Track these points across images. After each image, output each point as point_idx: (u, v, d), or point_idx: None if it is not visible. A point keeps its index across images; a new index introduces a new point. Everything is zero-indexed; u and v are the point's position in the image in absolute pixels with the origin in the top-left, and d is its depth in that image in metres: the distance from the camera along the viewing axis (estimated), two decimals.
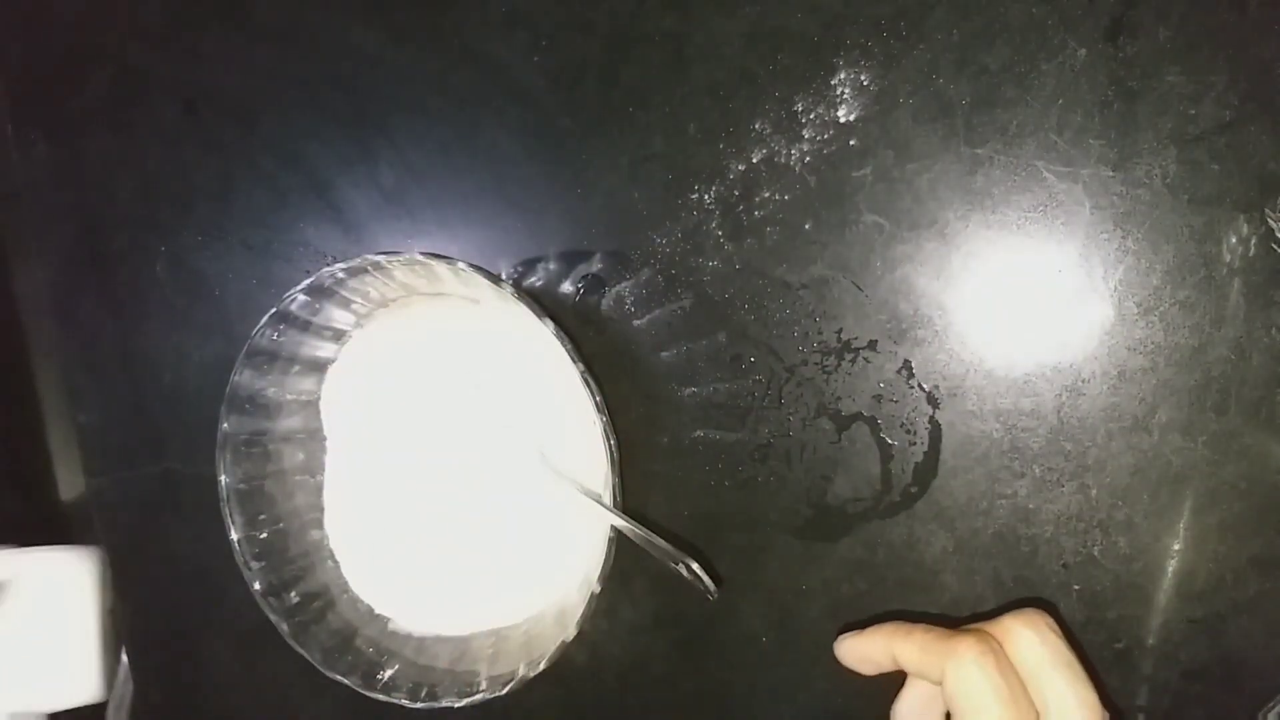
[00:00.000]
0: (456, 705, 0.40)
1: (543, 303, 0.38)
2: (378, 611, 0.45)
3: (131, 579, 0.50)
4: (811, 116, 0.41)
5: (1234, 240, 0.38)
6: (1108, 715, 0.34)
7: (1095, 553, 0.41)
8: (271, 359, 0.42)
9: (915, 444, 0.42)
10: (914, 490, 0.42)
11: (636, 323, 0.44)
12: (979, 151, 0.40)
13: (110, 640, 0.32)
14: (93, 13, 0.48)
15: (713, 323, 0.43)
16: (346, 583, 0.45)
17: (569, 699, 0.47)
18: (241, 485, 0.43)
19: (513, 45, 0.44)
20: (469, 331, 0.44)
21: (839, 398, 0.42)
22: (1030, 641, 0.34)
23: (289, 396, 0.44)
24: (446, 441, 0.44)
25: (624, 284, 0.44)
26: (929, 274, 0.41)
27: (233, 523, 0.42)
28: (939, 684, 0.35)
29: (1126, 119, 0.39)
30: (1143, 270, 0.39)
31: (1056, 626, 0.35)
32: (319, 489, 0.46)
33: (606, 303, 0.44)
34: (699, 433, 0.44)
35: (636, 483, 0.43)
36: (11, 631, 0.31)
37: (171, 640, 0.51)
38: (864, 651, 0.38)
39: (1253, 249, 0.38)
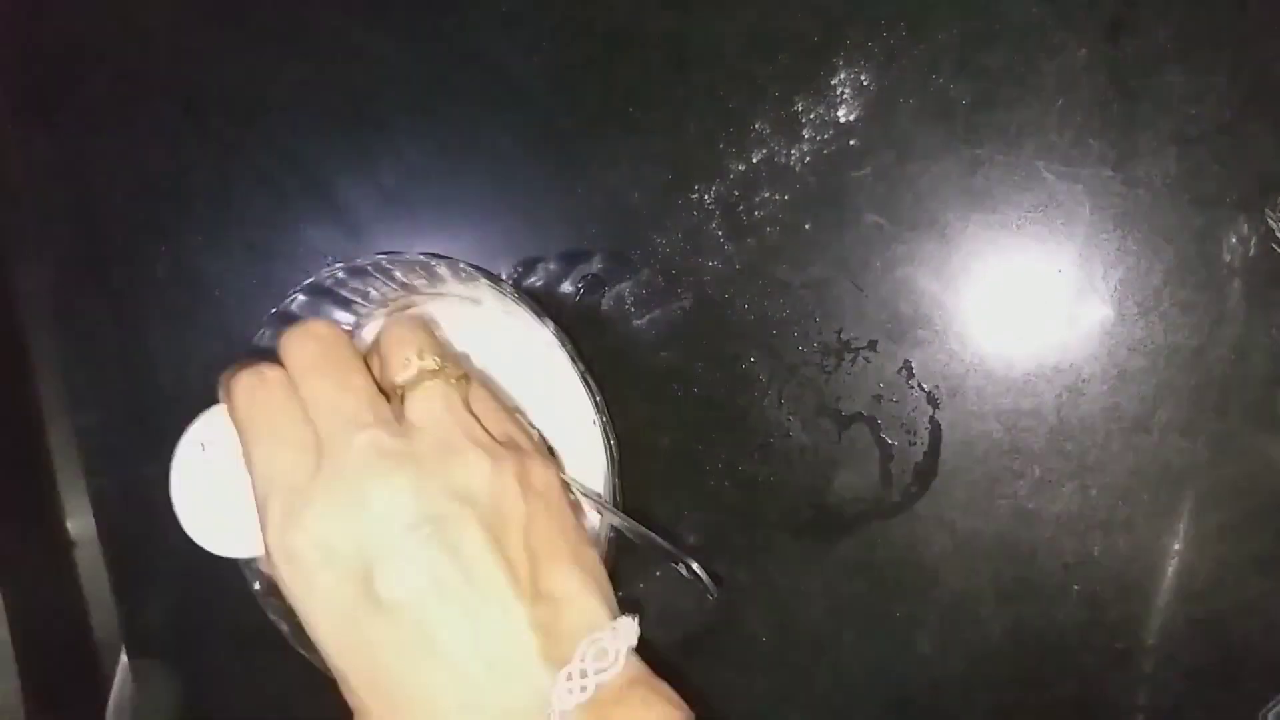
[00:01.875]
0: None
1: (543, 303, 0.38)
2: None
3: (131, 579, 0.50)
4: (811, 116, 0.41)
5: (1234, 240, 0.38)
6: (380, 429, 0.30)
7: (1095, 553, 0.41)
8: (271, 359, 0.42)
9: (915, 444, 0.42)
10: (914, 490, 0.42)
11: (636, 323, 0.44)
12: (979, 151, 0.40)
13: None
14: (93, 13, 0.48)
15: (713, 323, 0.43)
16: None
17: None
18: None
19: (513, 45, 0.44)
20: (469, 332, 0.44)
21: (839, 398, 0.42)
22: (289, 350, 0.32)
23: None
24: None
25: (624, 284, 0.44)
26: (929, 274, 0.41)
27: None
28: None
29: (1126, 119, 0.39)
30: (1143, 270, 0.39)
31: (329, 334, 0.33)
32: None
33: (606, 303, 0.44)
34: (699, 433, 0.44)
35: (636, 483, 0.43)
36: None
37: (172, 640, 0.51)
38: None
39: (1253, 249, 0.38)
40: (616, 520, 0.39)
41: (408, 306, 0.44)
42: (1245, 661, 0.40)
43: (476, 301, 0.43)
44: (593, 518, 0.42)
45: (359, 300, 0.43)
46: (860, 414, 0.42)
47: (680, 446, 0.44)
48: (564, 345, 0.37)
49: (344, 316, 0.44)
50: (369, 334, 0.45)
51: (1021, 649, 0.42)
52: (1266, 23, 0.37)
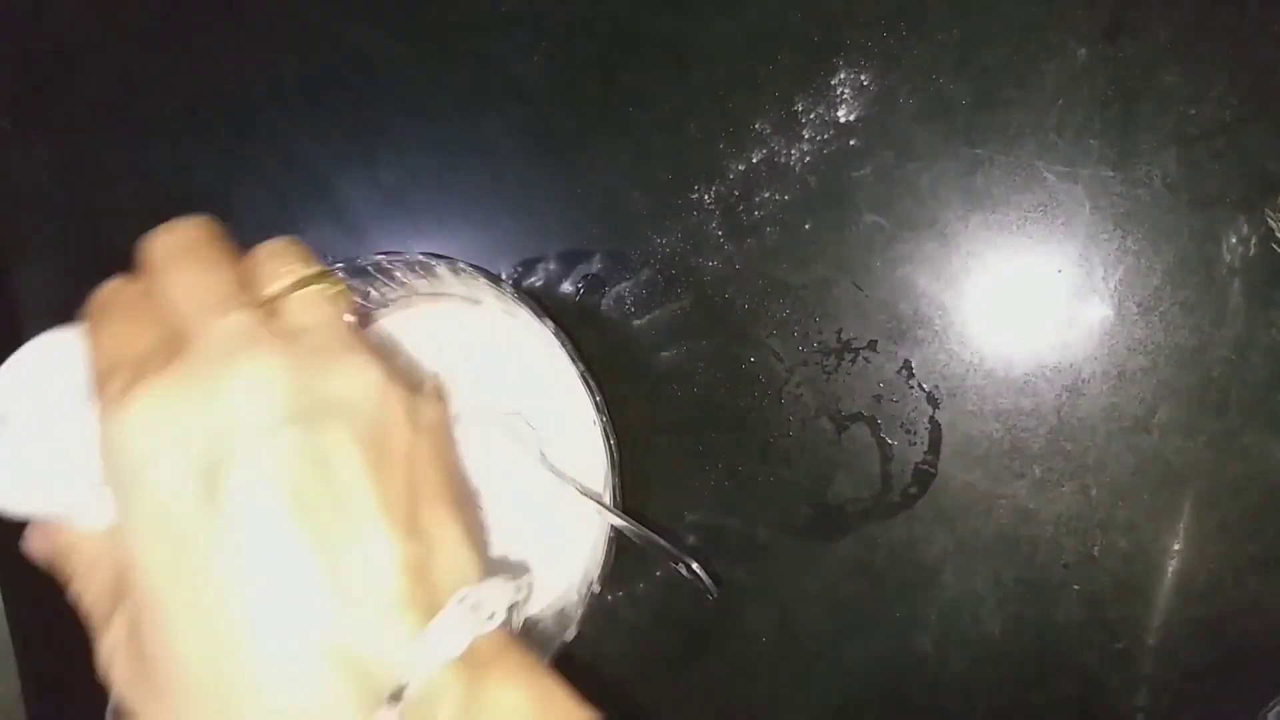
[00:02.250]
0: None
1: (543, 303, 0.38)
2: None
3: None
4: (811, 116, 0.41)
5: (1234, 240, 0.38)
6: (251, 314, 0.25)
7: (1095, 553, 0.41)
8: None
9: (915, 444, 0.42)
10: (914, 490, 0.42)
11: (636, 323, 0.44)
12: (979, 151, 0.40)
13: None
14: (93, 13, 0.48)
15: (713, 323, 0.43)
16: None
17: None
18: None
19: (513, 45, 0.44)
20: (469, 332, 0.44)
21: (839, 398, 0.42)
22: (150, 247, 0.27)
23: None
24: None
25: (624, 284, 0.44)
26: (929, 274, 0.41)
27: None
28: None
29: (1126, 119, 0.39)
30: (1143, 270, 0.39)
31: (194, 227, 0.28)
32: None
33: (606, 303, 0.44)
34: (699, 433, 0.44)
35: (636, 483, 0.43)
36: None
37: None
38: None
39: (1253, 249, 0.38)
40: (616, 520, 0.39)
41: (408, 307, 0.44)
42: (1245, 661, 0.40)
43: (476, 301, 0.43)
44: (592, 517, 0.42)
45: (359, 300, 0.43)
46: (860, 414, 0.42)
47: (680, 446, 0.44)
48: (564, 345, 0.37)
49: (344, 316, 0.44)
50: (368, 334, 0.45)
51: (1021, 649, 0.42)
52: (1266, 23, 0.37)
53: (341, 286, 0.28)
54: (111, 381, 0.24)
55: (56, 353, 0.28)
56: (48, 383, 0.27)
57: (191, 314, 0.25)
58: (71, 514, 0.27)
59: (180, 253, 0.27)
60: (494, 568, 0.27)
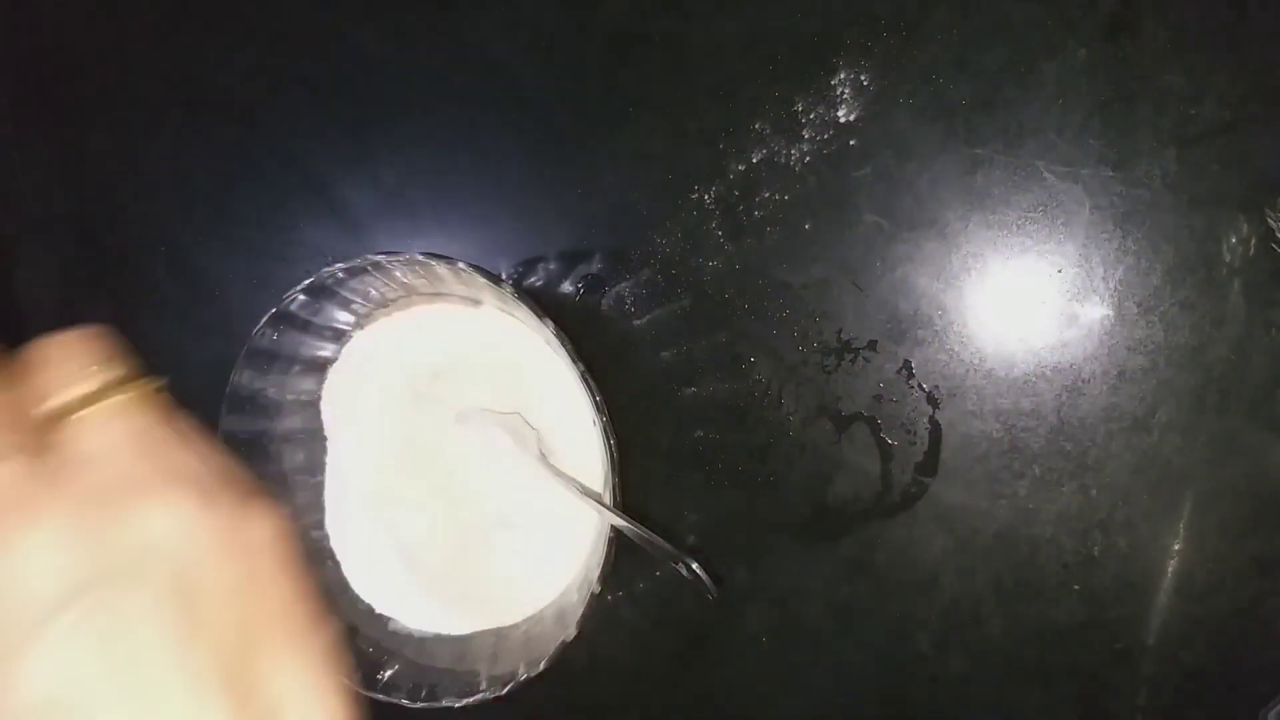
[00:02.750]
0: (456, 705, 0.40)
1: (543, 303, 0.38)
2: (378, 611, 0.45)
3: None
4: (811, 116, 0.41)
5: (1234, 240, 0.38)
6: (12, 461, 0.20)
7: (1095, 553, 0.41)
8: (271, 359, 0.42)
9: (915, 444, 0.42)
10: (914, 490, 0.42)
11: (636, 323, 0.44)
12: (979, 151, 0.40)
13: None
14: (93, 13, 0.48)
15: (713, 323, 0.43)
16: (347, 582, 0.45)
17: (569, 699, 0.47)
18: None
19: (513, 45, 0.44)
20: (469, 332, 0.44)
21: (839, 398, 0.42)
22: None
23: (289, 396, 0.44)
24: (446, 442, 0.44)
25: (624, 284, 0.44)
26: (929, 274, 0.41)
27: None
28: None
29: (1126, 119, 0.39)
30: (1143, 270, 0.39)
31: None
32: (319, 489, 0.46)
33: (606, 303, 0.44)
34: (699, 433, 0.44)
35: (636, 483, 0.43)
36: None
37: None
38: None
39: (1253, 249, 0.38)
40: (616, 520, 0.39)
41: (408, 307, 0.44)
42: (1245, 661, 0.40)
43: (476, 301, 0.43)
44: (592, 517, 0.42)
45: (359, 300, 0.43)
46: (860, 414, 0.42)
47: (680, 446, 0.44)
48: (564, 345, 0.37)
49: (344, 316, 0.44)
50: (369, 334, 0.45)
51: (1021, 648, 0.42)
52: (1266, 23, 0.37)
53: (151, 386, 0.24)
54: None
55: None
56: None
57: None
58: None
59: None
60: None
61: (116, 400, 0.22)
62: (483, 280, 0.38)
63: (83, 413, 0.22)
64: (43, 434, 0.22)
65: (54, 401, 0.22)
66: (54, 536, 0.20)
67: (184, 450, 0.23)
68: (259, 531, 0.22)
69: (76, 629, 0.19)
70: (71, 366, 0.23)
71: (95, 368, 0.23)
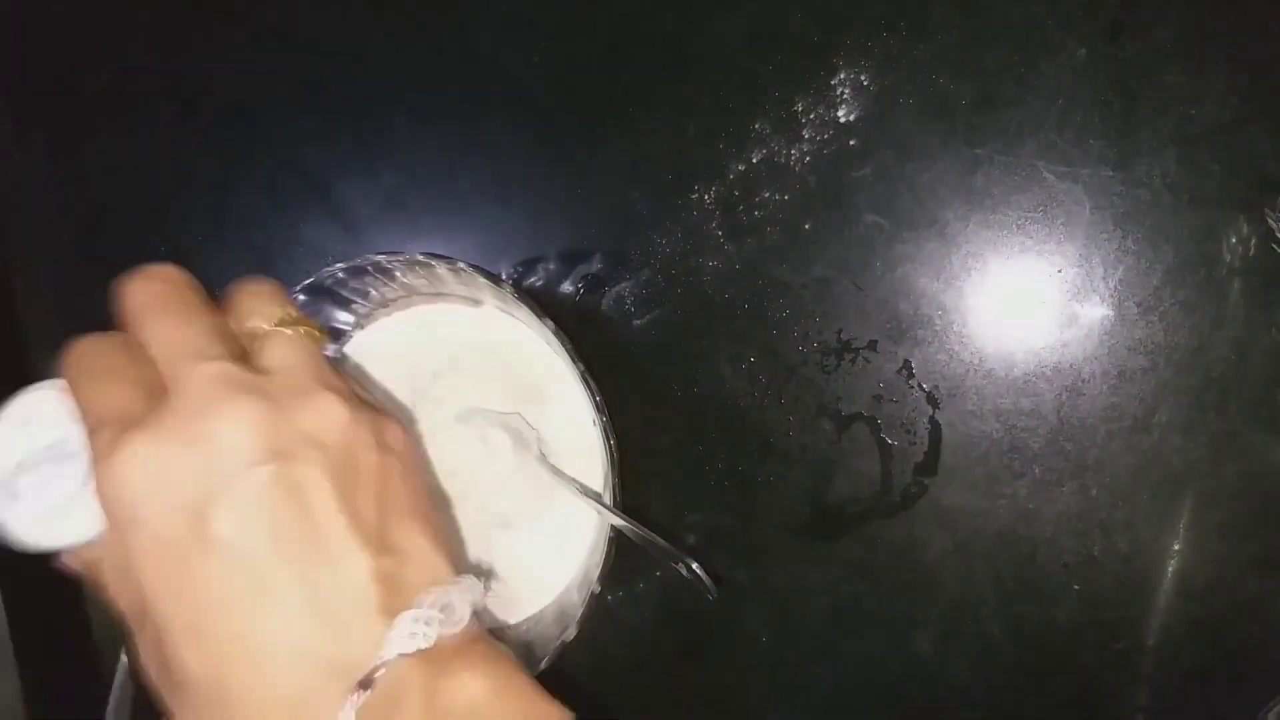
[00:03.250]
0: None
1: (543, 303, 0.38)
2: None
3: None
4: (811, 116, 0.41)
5: (1234, 240, 0.38)
6: (228, 361, 0.27)
7: (1095, 553, 0.41)
8: None
9: (915, 444, 0.42)
10: (914, 490, 0.42)
11: (636, 323, 0.44)
12: (979, 151, 0.40)
13: None
14: (93, 13, 0.48)
15: (713, 323, 0.43)
16: None
17: (569, 699, 0.47)
18: None
19: (513, 45, 0.44)
20: (469, 332, 0.44)
21: (839, 398, 0.42)
22: (128, 294, 0.29)
23: None
24: (446, 442, 0.44)
25: (624, 284, 0.44)
26: (929, 274, 0.41)
27: None
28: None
29: (1126, 119, 0.39)
30: (1143, 270, 0.39)
31: (171, 275, 0.30)
32: None
33: (606, 303, 0.44)
34: (699, 433, 0.44)
35: (636, 483, 0.43)
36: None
37: None
38: None
39: (1253, 249, 0.38)
40: (616, 520, 0.39)
41: (408, 307, 0.44)
42: (1245, 661, 0.40)
43: (476, 301, 0.43)
44: (592, 517, 0.42)
45: (359, 300, 0.43)
46: (860, 414, 0.42)
47: (680, 446, 0.44)
48: (564, 345, 0.37)
49: (344, 316, 0.44)
50: (369, 334, 0.45)
51: (1021, 649, 0.42)
52: (1266, 23, 0.37)
53: (316, 327, 0.31)
54: (99, 436, 0.27)
55: (48, 405, 0.30)
56: (49, 432, 0.30)
57: (169, 364, 0.28)
58: (92, 541, 0.29)
59: (155, 302, 0.29)
60: (469, 569, 0.28)
61: (293, 330, 0.30)
62: (483, 280, 0.38)
63: (271, 334, 0.29)
64: (243, 346, 0.29)
65: (250, 324, 0.30)
66: (249, 417, 0.26)
67: (337, 373, 0.30)
68: (393, 436, 0.29)
69: (271, 481, 0.26)
70: (261, 302, 0.30)
71: (277, 307, 0.30)
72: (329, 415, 0.28)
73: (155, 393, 0.27)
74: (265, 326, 0.30)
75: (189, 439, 0.26)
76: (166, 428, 0.26)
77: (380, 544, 0.27)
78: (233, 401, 0.26)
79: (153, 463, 0.25)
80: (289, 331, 0.30)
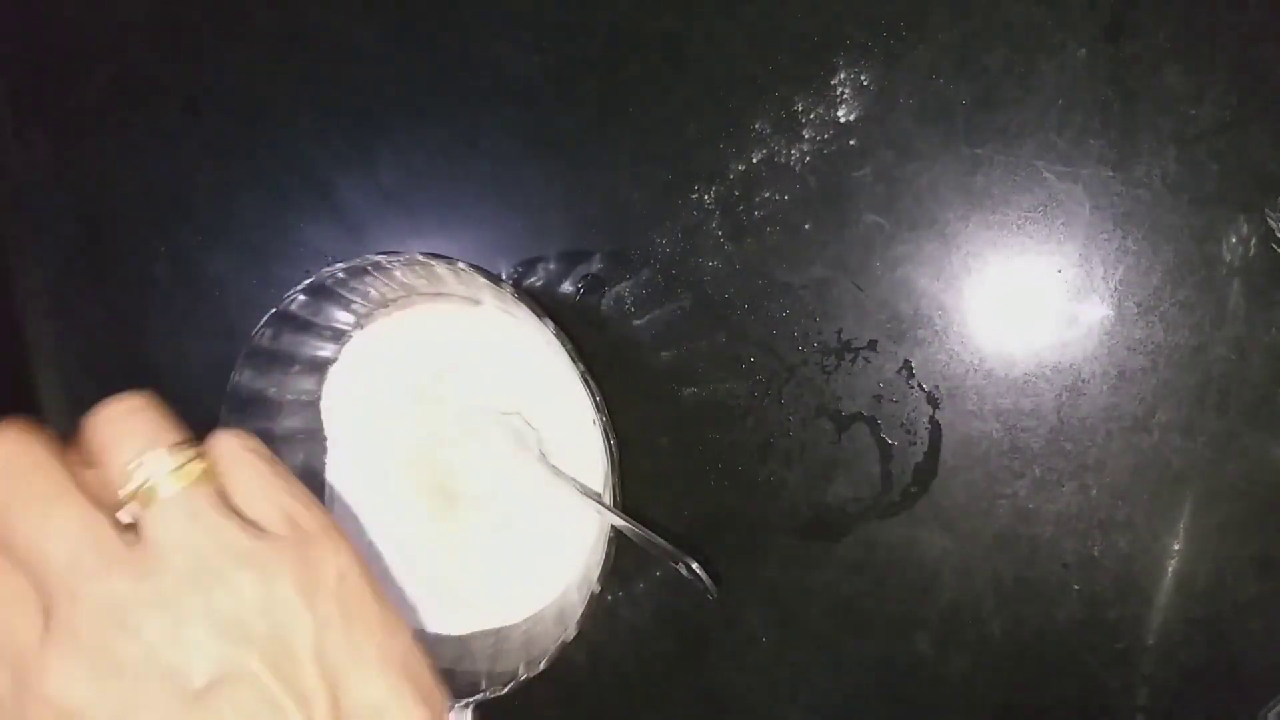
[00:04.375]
0: (457, 705, 0.40)
1: (543, 303, 0.38)
2: None
3: None
4: (811, 116, 0.41)
5: (1234, 240, 0.38)
6: (110, 573, 0.24)
7: (1095, 553, 0.41)
8: (271, 359, 0.42)
9: (915, 444, 0.42)
10: (914, 490, 0.42)
11: (636, 323, 0.44)
12: (979, 151, 0.40)
13: None
14: (93, 13, 0.48)
15: (713, 323, 0.43)
16: None
17: (569, 699, 0.47)
18: None
19: (513, 45, 0.44)
20: (469, 332, 0.44)
21: (839, 398, 0.42)
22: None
23: (289, 396, 0.44)
24: (446, 442, 0.44)
25: (624, 284, 0.44)
26: (929, 274, 0.41)
27: None
28: None
29: (1126, 119, 0.39)
30: (1143, 270, 0.39)
31: (16, 447, 0.25)
32: (319, 489, 0.46)
33: (606, 303, 0.44)
34: (699, 433, 0.44)
35: (636, 483, 0.43)
36: None
37: None
38: None
39: (1253, 249, 0.38)
40: (616, 520, 0.39)
41: (408, 307, 0.44)
42: (1245, 661, 0.40)
43: (476, 301, 0.43)
44: (592, 517, 0.42)
45: (359, 300, 0.43)
46: (860, 414, 0.42)
47: (680, 446, 0.44)
48: (564, 345, 0.37)
49: (344, 316, 0.44)
50: (369, 334, 0.45)
51: (1021, 649, 0.42)
52: (1266, 23, 0.37)
53: (204, 458, 0.26)
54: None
55: None
56: None
57: (49, 581, 0.24)
58: None
59: (14, 485, 0.24)
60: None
61: (173, 493, 0.25)
62: (483, 280, 0.38)
63: (149, 507, 0.25)
64: (117, 502, 0.25)
65: (124, 490, 0.25)
66: (167, 631, 0.23)
67: (247, 502, 0.26)
68: (328, 568, 0.26)
69: (219, 710, 0.23)
70: (124, 455, 0.25)
71: (146, 453, 0.25)
72: (243, 595, 0.24)
73: (36, 604, 0.24)
74: (140, 484, 0.25)
75: (100, 675, 0.23)
76: (71, 666, 0.23)
77: (350, 709, 0.25)
78: (135, 626, 0.23)
79: (67, 711, 0.22)
80: (168, 495, 0.25)
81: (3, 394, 0.52)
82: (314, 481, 0.46)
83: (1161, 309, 0.39)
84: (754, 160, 0.42)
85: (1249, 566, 0.40)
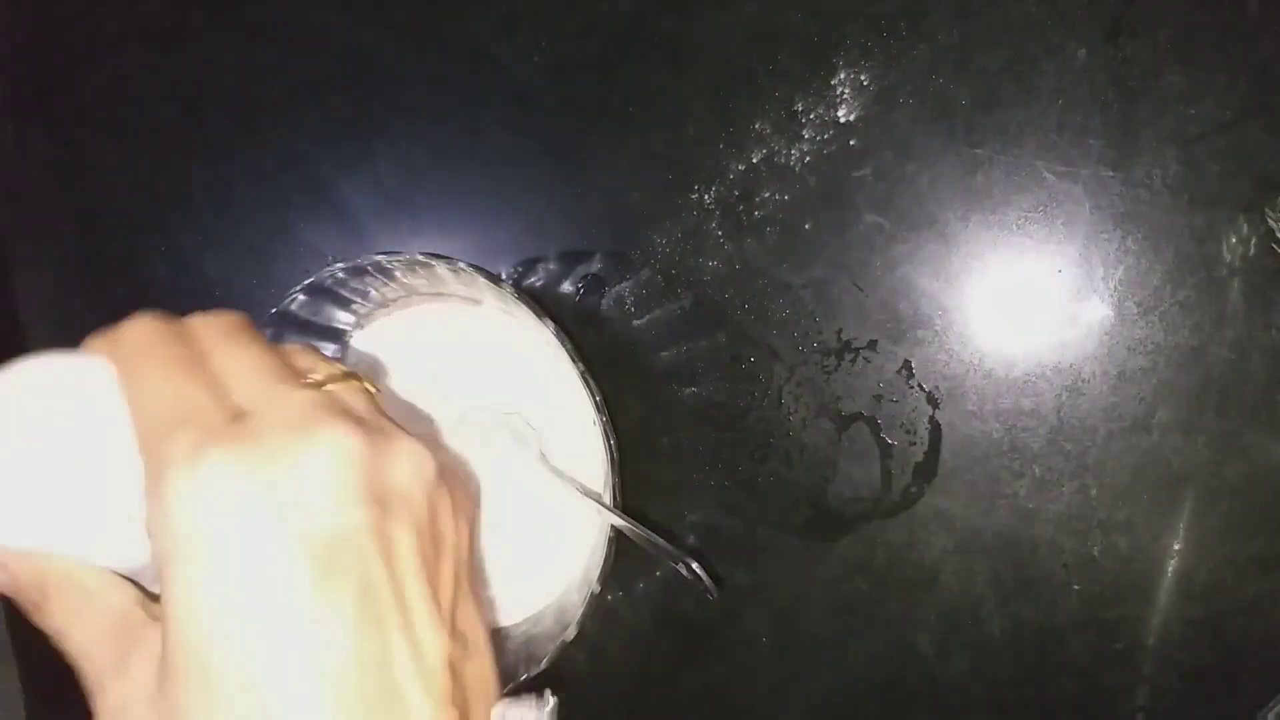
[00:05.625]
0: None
1: (543, 303, 0.38)
2: None
3: None
4: (811, 116, 0.41)
5: (1234, 240, 0.38)
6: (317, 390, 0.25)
7: (1095, 553, 0.41)
8: None
9: (915, 444, 0.42)
10: (914, 490, 0.42)
11: (636, 323, 0.44)
12: (979, 151, 0.40)
13: None
14: (93, 13, 0.48)
15: (713, 323, 0.43)
16: None
17: (569, 699, 0.47)
18: None
19: (513, 45, 0.44)
20: (469, 332, 0.44)
21: (839, 398, 0.42)
22: (194, 323, 0.26)
23: None
24: (447, 442, 0.44)
25: (624, 284, 0.44)
26: (929, 274, 0.41)
27: None
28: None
29: (1126, 119, 0.39)
30: (1143, 270, 0.39)
31: (238, 317, 0.27)
32: None
33: (606, 303, 0.44)
34: (699, 433, 0.44)
35: (636, 483, 0.43)
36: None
37: None
38: None
39: (1253, 249, 0.38)
40: (616, 520, 0.39)
41: (408, 307, 0.44)
42: (1245, 661, 0.40)
43: (476, 301, 0.43)
44: (592, 517, 0.42)
45: (359, 300, 0.43)
46: (860, 414, 0.42)
47: (680, 446, 0.44)
48: (564, 345, 0.37)
49: (344, 316, 0.44)
50: (369, 334, 0.45)
51: (1021, 648, 0.42)
52: (1266, 23, 0.37)
53: (373, 387, 0.28)
54: (173, 437, 0.23)
55: (65, 377, 0.25)
56: (56, 408, 0.25)
57: (254, 386, 0.24)
58: (76, 549, 0.25)
59: (230, 331, 0.26)
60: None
61: (355, 382, 0.27)
62: (483, 280, 0.38)
63: (343, 383, 0.26)
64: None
65: (318, 374, 0.26)
66: (349, 452, 0.23)
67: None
68: (467, 502, 0.27)
69: (359, 529, 0.22)
70: (312, 359, 0.27)
71: (328, 364, 0.27)
72: (421, 467, 0.25)
73: (236, 411, 0.23)
74: (333, 373, 0.26)
75: (283, 466, 0.22)
76: (258, 449, 0.22)
77: (451, 627, 0.24)
78: (335, 429, 0.23)
79: (241, 485, 0.22)
80: (353, 382, 0.26)
81: None
82: None
83: (1161, 309, 0.39)
84: (754, 160, 0.42)
85: (1249, 566, 0.40)
